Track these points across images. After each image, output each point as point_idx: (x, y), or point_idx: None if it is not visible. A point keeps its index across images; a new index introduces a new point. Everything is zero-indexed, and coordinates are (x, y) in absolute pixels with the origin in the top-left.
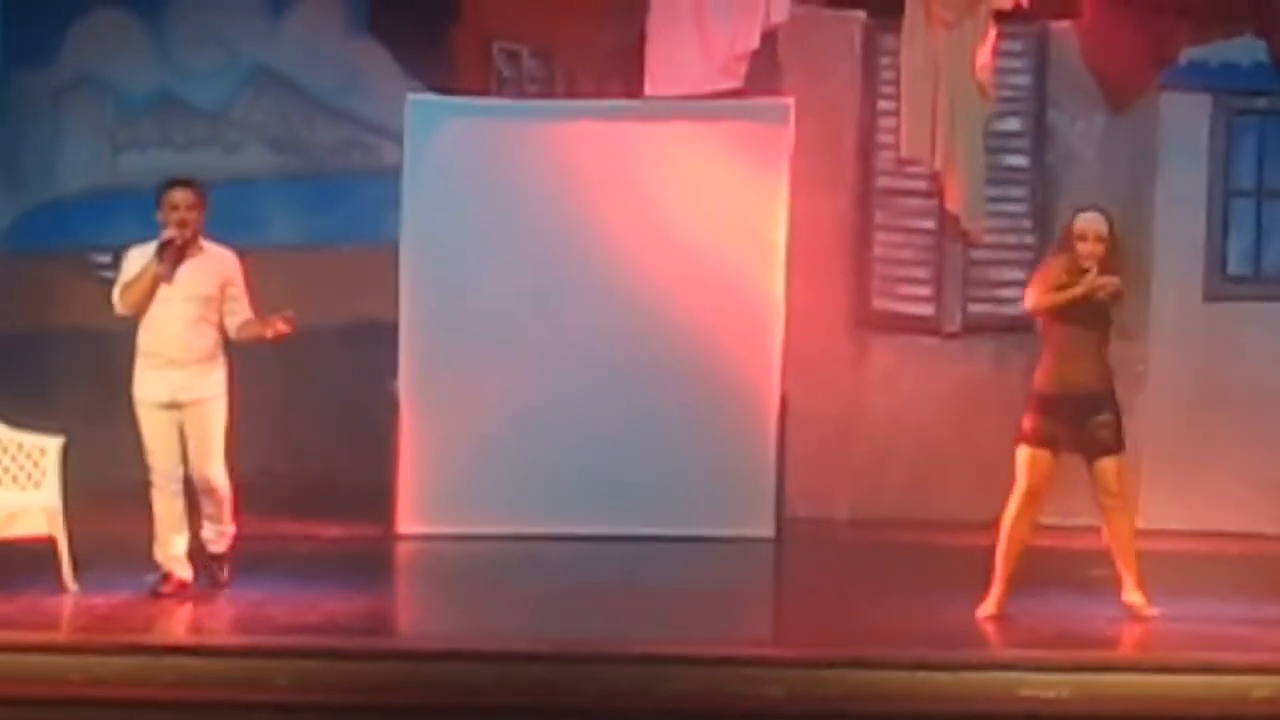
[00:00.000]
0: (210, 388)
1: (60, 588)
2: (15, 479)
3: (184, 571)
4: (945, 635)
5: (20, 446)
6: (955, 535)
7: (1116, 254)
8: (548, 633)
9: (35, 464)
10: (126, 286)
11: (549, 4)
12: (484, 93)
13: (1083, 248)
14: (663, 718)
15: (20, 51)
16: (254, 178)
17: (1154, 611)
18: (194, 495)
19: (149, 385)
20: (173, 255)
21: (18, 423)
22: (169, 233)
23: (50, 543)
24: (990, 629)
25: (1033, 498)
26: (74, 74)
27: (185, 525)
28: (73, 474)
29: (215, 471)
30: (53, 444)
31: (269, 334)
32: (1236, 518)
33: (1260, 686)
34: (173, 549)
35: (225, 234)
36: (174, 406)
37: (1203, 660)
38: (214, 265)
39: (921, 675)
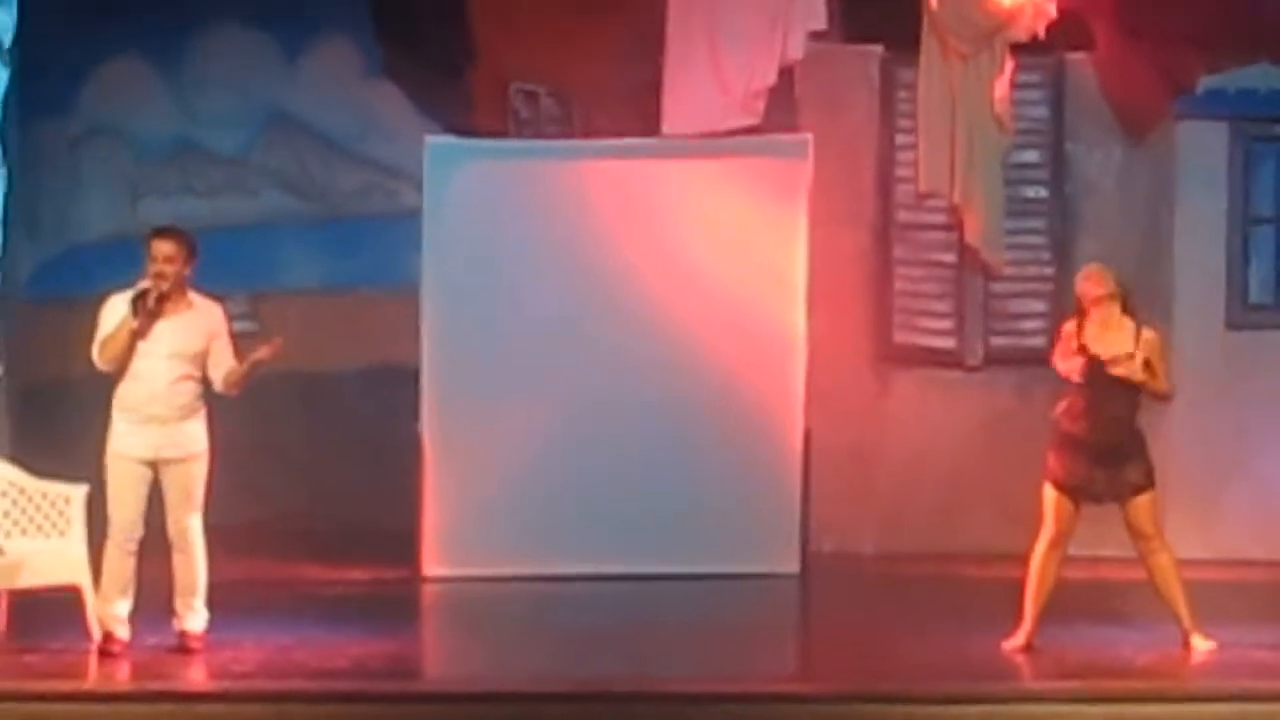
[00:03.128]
0: (192, 444)
1: (87, 636)
2: (40, 528)
3: (124, 632)
4: (973, 668)
5: (45, 495)
6: (981, 568)
7: (1117, 300)
8: (574, 673)
9: (60, 513)
10: (104, 342)
11: (565, 44)
12: (502, 134)
13: (1084, 305)
14: None
15: (37, 101)
16: (273, 222)
17: (1211, 645)
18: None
19: (128, 440)
20: (147, 308)
21: (42, 471)
22: (143, 284)
23: (76, 592)
24: (1019, 661)
25: (1060, 538)
26: (91, 123)
27: (131, 588)
28: (97, 522)
29: (193, 525)
30: (77, 492)
31: (255, 363)
32: (1259, 546)
33: None
34: (115, 609)
35: (245, 279)
36: (153, 464)
37: (1232, 689)
38: (200, 320)
39: (951, 709)
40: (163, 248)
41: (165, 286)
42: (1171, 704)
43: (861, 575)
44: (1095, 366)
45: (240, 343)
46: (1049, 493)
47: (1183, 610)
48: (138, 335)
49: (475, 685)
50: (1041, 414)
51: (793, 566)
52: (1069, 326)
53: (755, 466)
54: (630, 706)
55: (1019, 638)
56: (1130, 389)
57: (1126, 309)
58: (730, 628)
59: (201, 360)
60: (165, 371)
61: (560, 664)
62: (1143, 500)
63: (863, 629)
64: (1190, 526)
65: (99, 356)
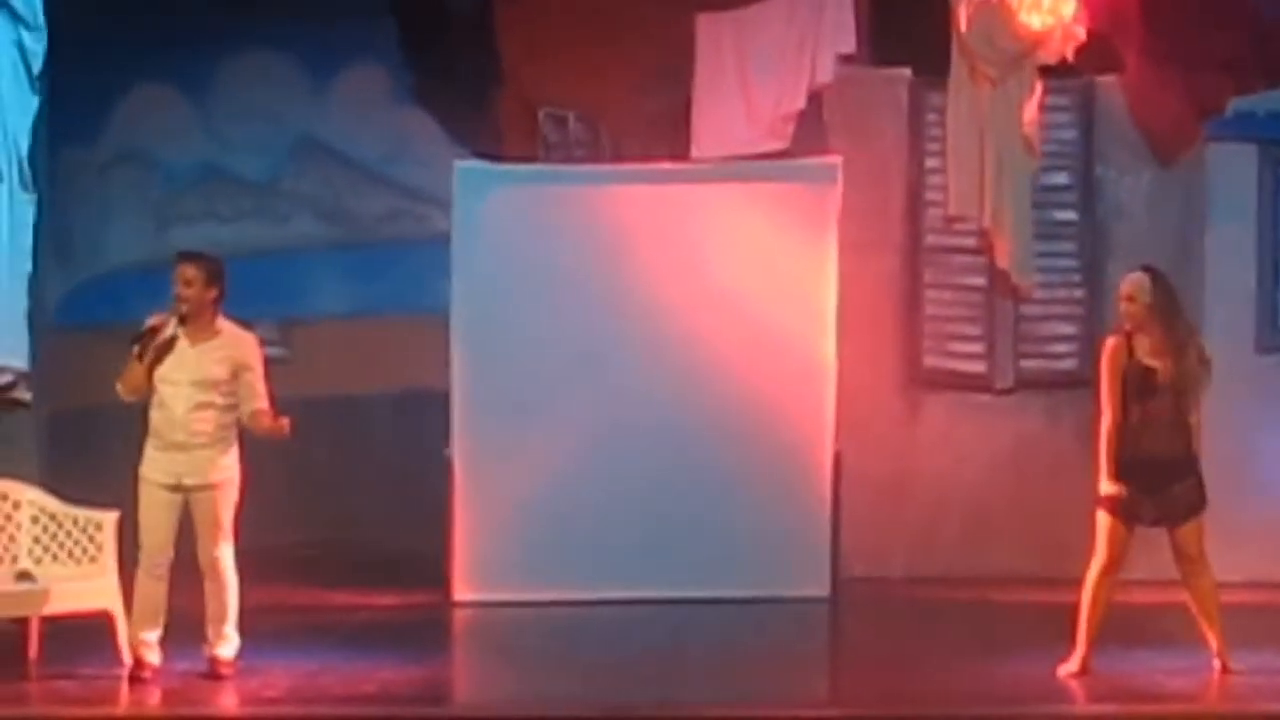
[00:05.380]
0: (217, 473)
1: (118, 662)
2: (71, 554)
3: (154, 657)
4: (1006, 692)
5: (76, 521)
6: (1012, 592)
7: (1158, 311)
8: (602, 698)
9: (91, 539)
10: (122, 375)
11: (594, 69)
12: (531, 158)
13: (1121, 308)
14: None
15: (66, 128)
16: (302, 248)
17: (1240, 668)
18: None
19: (154, 466)
20: (155, 342)
21: (73, 498)
22: (151, 319)
23: (107, 617)
24: (1070, 686)
25: (1113, 565)
26: (120, 149)
27: (162, 614)
28: (129, 549)
29: (221, 554)
30: (108, 519)
31: (272, 431)
32: None
33: None
34: (146, 635)
35: (274, 305)
36: (178, 489)
37: (1265, 712)
38: (226, 349)
39: None
40: (184, 271)
41: (184, 309)
42: None
43: (891, 599)
44: (1147, 380)
45: (271, 369)
46: (1101, 519)
47: (1219, 634)
48: (151, 367)
49: (503, 711)
50: (1072, 437)
51: (822, 590)
52: (1113, 341)
53: (785, 490)
54: None
55: (1073, 663)
56: (1178, 404)
57: (1175, 319)
58: (759, 652)
59: (228, 389)
60: (186, 398)
61: (588, 689)
62: (1190, 527)
63: (893, 653)
64: (1221, 549)
65: (119, 387)
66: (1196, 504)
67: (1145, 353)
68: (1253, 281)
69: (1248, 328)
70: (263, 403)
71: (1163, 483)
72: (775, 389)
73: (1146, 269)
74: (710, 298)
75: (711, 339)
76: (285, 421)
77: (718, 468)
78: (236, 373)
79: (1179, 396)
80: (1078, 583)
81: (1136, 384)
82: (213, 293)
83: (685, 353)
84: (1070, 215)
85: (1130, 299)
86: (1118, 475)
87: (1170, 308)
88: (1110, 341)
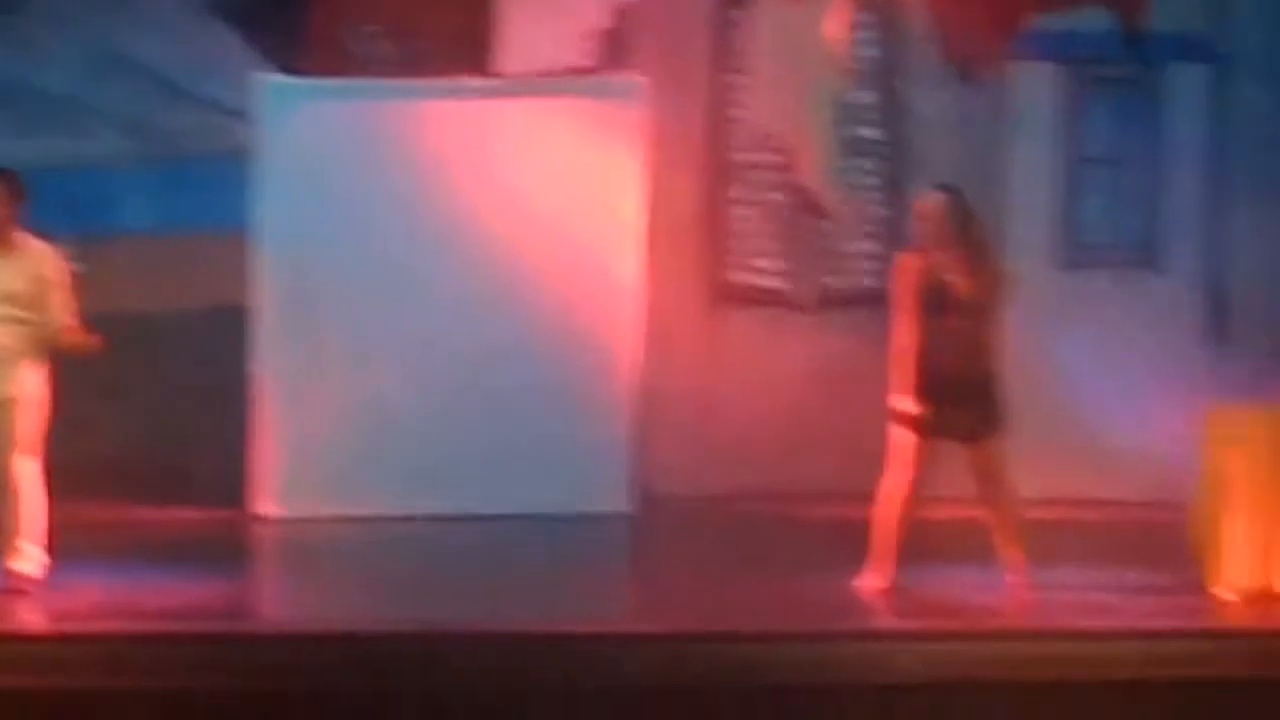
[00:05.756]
0: (16, 387)
1: None
2: None
3: None
4: (814, 607)
5: None
6: (818, 507)
7: (956, 229)
8: (410, 614)
9: None
10: None
11: None
12: (337, 74)
13: (919, 227)
14: (528, 696)
15: None
16: (106, 163)
17: (1034, 585)
18: None
19: None
20: None
21: None
22: None
23: None
24: (867, 601)
25: (911, 481)
26: None
27: None
28: None
29: (23, 468)
30: None
31: (80, 348)
32: (1090, 487)
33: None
34: None
35: (77, 220)
36: None
37: (1064, 628)
38: (29, 264)
39: (794, 648)
40: None
41: None
42: (1006, 642)
43: (699, 516)
44: (945, 297)
45: (74, 285)
46: (899, 434)
47: (1019, 550)
48: None
49: (310, 626)
50: (876, 354)
51: (626, 507)
52: (910, 258)
53: (591, 407)
54: (467, 646)
55: (874, 578)
56: (978, 323)
57: (972, 238)
58: (566, 569)
59: (28, 304)
60: None
61: (395, 604)
62: (986, 446)
63: (701, 570)
64: (1024, 466)
65: None
66: (995, 421)
67: (943, 270)
68: (1054, 199)
69: (1049, 245)
70: (70, 318)
71: (960, 400)
72: (582, 306)
73: (944, 187)
74: (517, 214)
75: (519, 256)
76: (95, 338)
77: (525, 384)
78: (39, 288)
79: (976, 314)
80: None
81: (934, 301)
82: (12, 208)
83: (493, 269)
84: (874, 133)
85: (927, 217)
86: (913, 392)
87: (968, 226)
88: (907, 259)
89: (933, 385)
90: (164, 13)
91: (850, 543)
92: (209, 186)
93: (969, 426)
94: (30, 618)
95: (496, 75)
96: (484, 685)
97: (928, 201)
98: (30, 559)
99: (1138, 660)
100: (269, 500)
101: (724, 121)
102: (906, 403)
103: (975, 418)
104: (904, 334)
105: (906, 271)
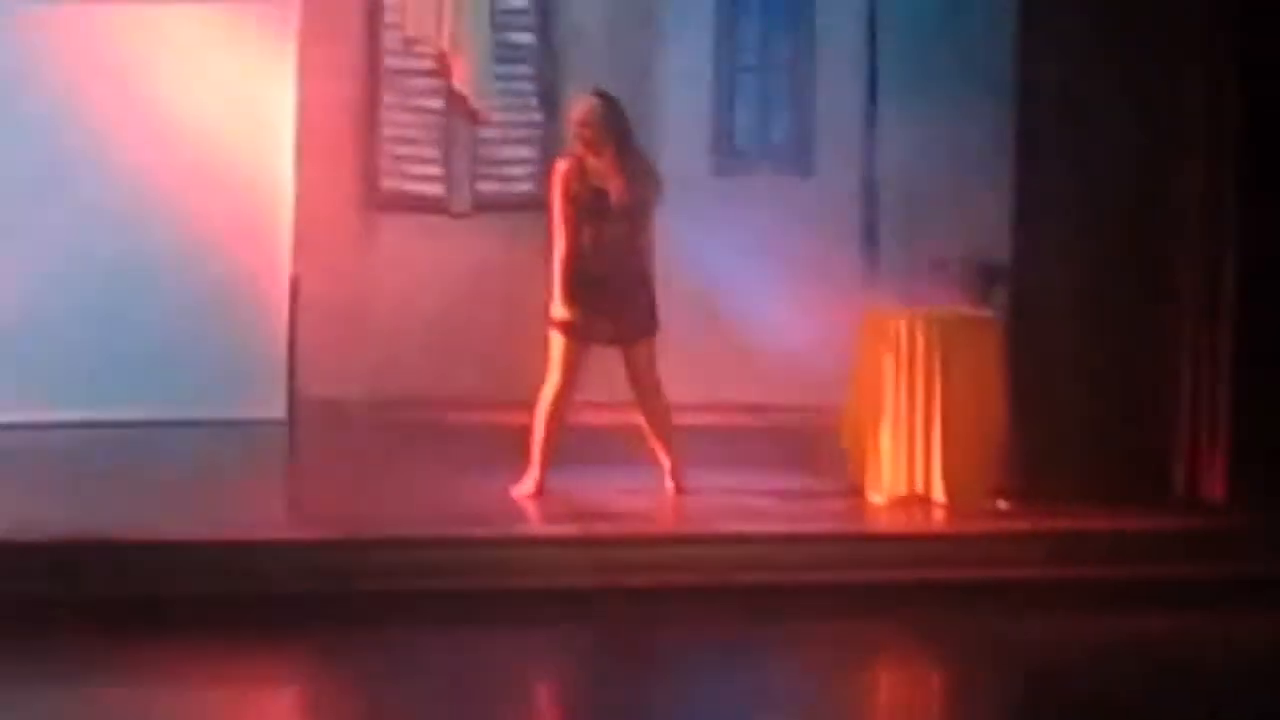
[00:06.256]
0: None
1: None
2: None
3: None
4: (463, 513)
5: None
6: (471, 414)
7: (609, 134)
8: (63, 523)
9: None
10: None
11: None
12: None
13: (572, 132)
14: (175, 604)
15: None
16: None
17: (686, 490)
18: None
19: None
20: None
21: None
22: None
23: None
24: (524, 506)
25: (566, 386)
26: None
27: None
28: None
29: None
30: None
31: None
32: (745, 391)
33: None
34: None
35: None
36: None
37: (720, 532)
38: None
39: (440, 552)
40: None
41: None
42: (661, 548)
43: (351, 423)
44: (599, 203)
45: None
46: (554, 340)
47: (672, 456)
48: None
49: None
50: (530, 260)
51: (279, 413)
52: (564, 164)
53: (241, 314)
54: (115, 554)
55: (528, 484)
56: (631, 227)
57: (626, 143)
58: (219, 475)
59: None
60: None
61: (46, 514)
62: (640, 348)
63: (352, 476)
64: (674, 370)
65: None
66: (648, 325)
67: (597, 176)
68: (709, 105)
69: (705, 151)
70: None
71: (615, 304)
72: (231, 214)
73: (597, 93)
74: (163, 120)
75: (164, 163)
76: None
77: (174, 292)
78: None
79: (630, 218)
80: (535, 404)
81: (588, 206)
82: None
83: (140, 176)
84: (528, 38)
85: (581, 123)
86: (570, 297)
87: (621, 130)
88: (562, 165)
89: (587, 290)
90: None
91: (503, 449)
92: None
93: (622, 330)
94: None
95: None
96: (127, 596)
97: (580, 106)
98: None
99: (789, 565)
100: None
101: (377, 27)
102: (560, 308)
103: (628, 322)
104: (559, 239)
105: (559, 176)
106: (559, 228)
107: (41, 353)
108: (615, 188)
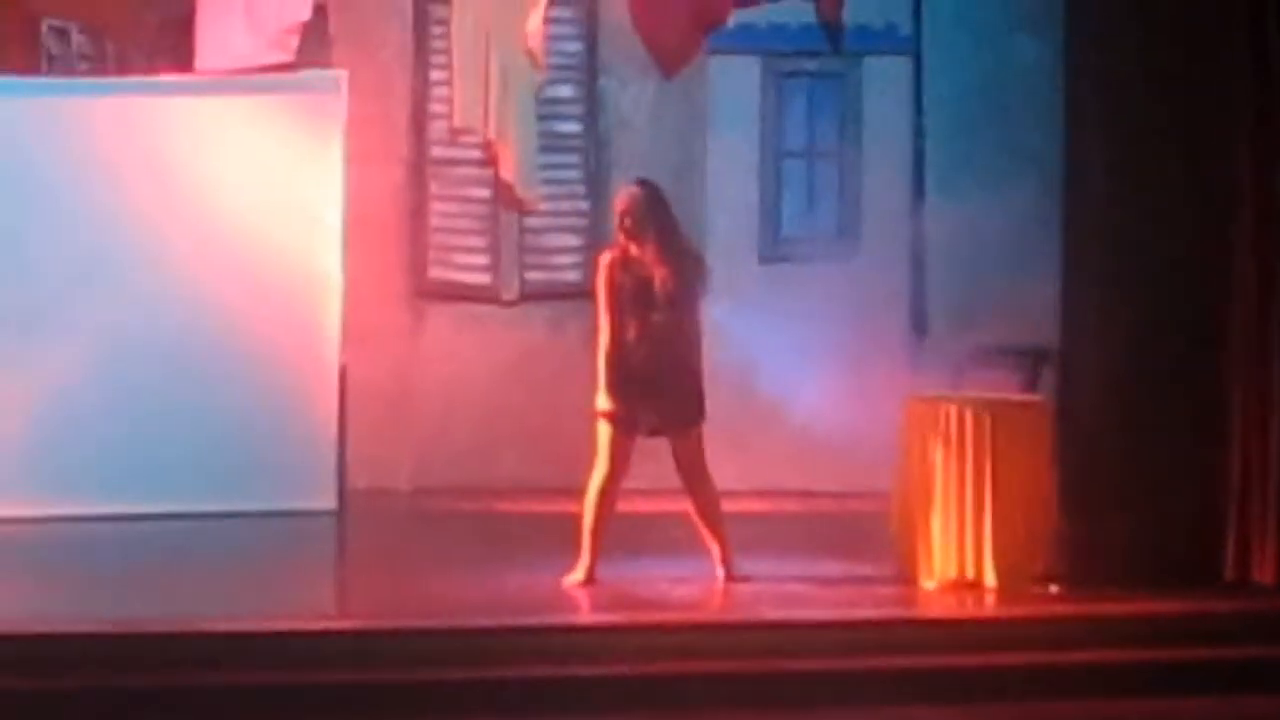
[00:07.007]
0: None
1: None
2: None
3: None
4: (513, 602)
5: None
6: (518, 502)
7: (652, 223)
8: (108, 614)
9: None
10: None
11: None
12: (33, 71)
13: (616, 222)
14: (226, 694)
15: None
16: None
17: (745, 577)
18: None
19: None
20: None
21: None
22: None
23: None
24: (575, 595)
25: (614, 475)
26: None
27: None
28: None
29: None
30: None
31: None
32: (794, 476)
33: (829, 641)
34: None
35: None
36: None
37: (765, 619)
38: None
39: (494, 642)
40: None
41: None
42: (712, 635)
43: (398, 511)
44: (644, 292)
45: None
46: (601, 430)
47: (722, 543)
48: None
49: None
50: (577, 349)
51: (330, 503)
52: (608, 254)
53: (291, 404)
54: (164, 646)
55: (579, 572)
56: (676, 315)
57: (668, 231)
58: (266, 565)
59: None
60: None
61: (92, 605)
62: (693, 432)
63: (400, 564)
64: (722, 457)
65: None
66: (695, 414)
67: (641, 265)
68: (755, 193)
69: (751, 239)
70: None
71: (660, 393)
72: (281, 302)
73: (639, 182)
74: (215, 210)
75: (215, 253)
76: None
77: (224, 382)
78: None
79: (676, 307)
80: (584, 492)
81: (633, 296)
82: None
83: (190, 267)
84: (574, 127)
85: (624, 213)
86: (616, 387)
87: (664, 219)
88: (606, 256)
89: (633, 379)
90: None
91: (552, 537)
92: None
93: (669, 419)
94: None
95: (196, 72)
96: (180, 685)
97: (623, 196)
98: None
99: (839, 649)
100: None
101: (424, 117)
102: (606, 398)
103: (675, 410)
104: (606, 331)
105: (603, 267)
106: (603, 318)
107: (92, 445)
108: (659, 276)
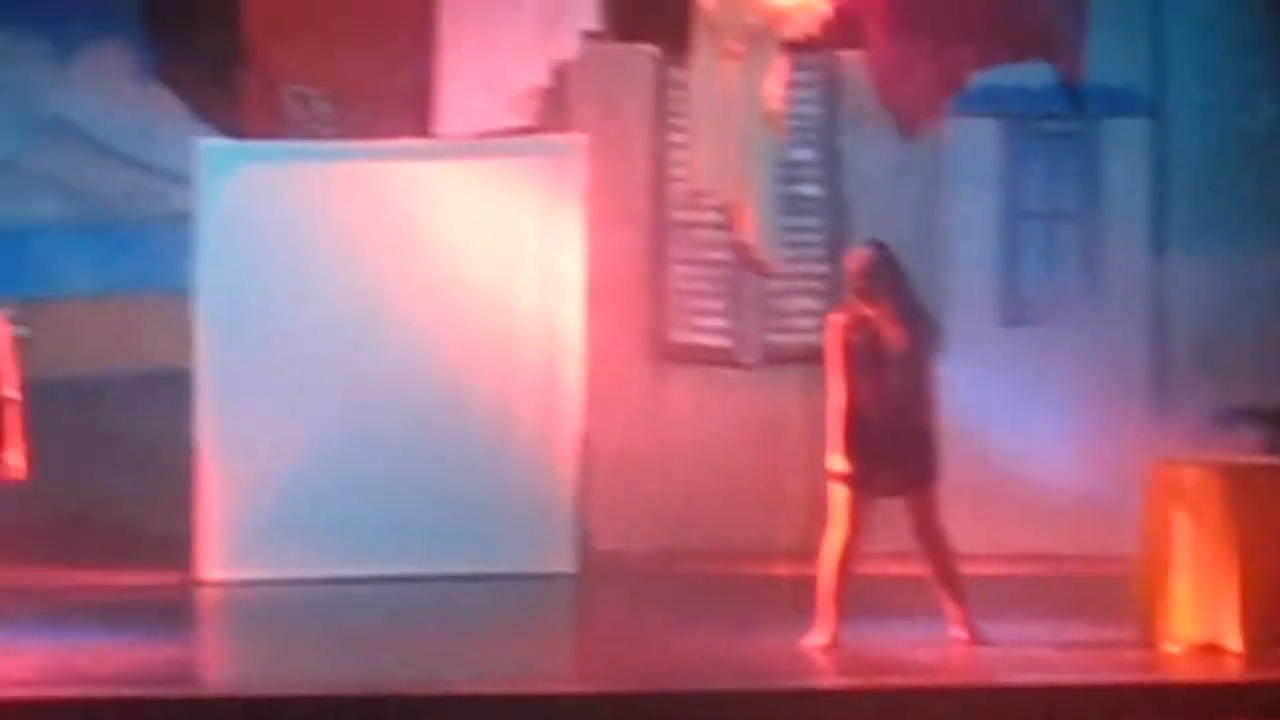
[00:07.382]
0: None
1: None
2: None
3: None
4: (758, 665)
5: None
6: (760, 565)
7: (886, 285)
8: (355, 676)
9: None
10: None
11: (338, 45)
12: (275, 136)
13: (848, 284)
14: None
15: None
16: (45, 227)
17: (976, 640)
18: None
19: None
20: None
21: None
22: None
23: None
24: (816, 658)
25: (851, 538)
26: None
27: None
28: None
29: None
30: None
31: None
32: (1034, 539)
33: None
34: None
35: (17, 284)
36: None
37: (1009, 683)
38: None
39: (740, 706)
40: None
41: None
42: (953, 699)
43: (640, 574)
44: (877, 353)
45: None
46: (836, 492)
47: (961, 606)
48: None
49: (256, 689)
50: (818, 412)
51: (570, 567)
52: (840, 315)
53: (533, 467)
54: (413, 708)
55: (819, 635)
56: (909, 376)
57: (902, 292)
58: (509, 629)
59: None
60: None
61: (340, 667)
62: (928, 494)
63: (642, 628)
64: (960, 519)
65: None
66: (930, 475)
67: (874, 325)
68: (995, 255)
69: (991, 300)
70: (10, 390)
71: (895, 454)
72: (523, 365)
73: (871, 243)
74: (458, 274)
75: (460, 316)
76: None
77: (466, 445)
78: None
79: (910, 368)
80: (819, 554)
81: (866, 357)
82: None
83: (433, 330)
84: (814, 190)
85: (856, 274)
86: (850, 448)
87: (897, 280)
88: (838, 318)
89: (868, 441)
90: (103, 77)
91: (793, 600)
92: (149, 250)
93: (904, 481)
94: None
95: (437, 136)
96: None
97: (855, 257)
98: None
99: (1082, 714)
100: (214, 563)
101: (664, 180)
102: (841, 460)
103: (911, 472)
104: (836, 391)
105: (836, 328)
106: (834, 379)
107: (339, 510)
108: (893, 337)
